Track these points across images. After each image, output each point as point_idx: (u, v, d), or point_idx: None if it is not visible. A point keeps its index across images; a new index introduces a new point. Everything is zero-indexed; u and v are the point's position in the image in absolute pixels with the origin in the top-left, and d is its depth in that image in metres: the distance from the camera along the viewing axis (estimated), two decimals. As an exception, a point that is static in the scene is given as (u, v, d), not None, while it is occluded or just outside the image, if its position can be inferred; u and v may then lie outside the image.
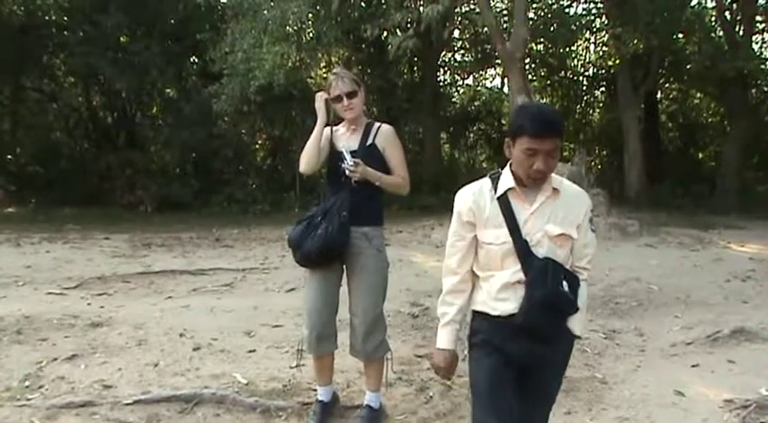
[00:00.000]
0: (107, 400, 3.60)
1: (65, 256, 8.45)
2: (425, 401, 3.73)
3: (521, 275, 2.22)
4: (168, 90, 16.59)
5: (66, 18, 15.70)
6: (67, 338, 4.75)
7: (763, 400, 3.64)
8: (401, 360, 4.21)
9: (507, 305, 2.25)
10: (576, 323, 2.33)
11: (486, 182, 2.32)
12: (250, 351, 4.55)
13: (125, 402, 3.57)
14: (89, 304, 5.94)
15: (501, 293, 2.27)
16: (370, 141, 3.37)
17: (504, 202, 2.25)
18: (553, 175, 2.24)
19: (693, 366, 4.33)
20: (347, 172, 3.24)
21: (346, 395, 3.78)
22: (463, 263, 2.35)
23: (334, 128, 3.46)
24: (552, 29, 16.15)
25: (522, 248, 2.21)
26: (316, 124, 3.41)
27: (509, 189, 2.24)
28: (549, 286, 2.18)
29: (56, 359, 4.26)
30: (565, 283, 2.20)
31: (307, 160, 3.41)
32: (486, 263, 2.31)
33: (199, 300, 6.20)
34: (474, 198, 2.30)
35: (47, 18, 15.71)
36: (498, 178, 2.28)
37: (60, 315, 5.34)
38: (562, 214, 2.24)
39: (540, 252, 2.21)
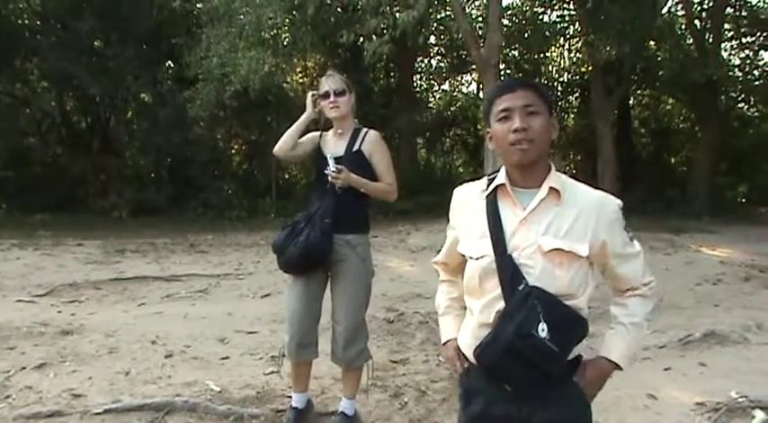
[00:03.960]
0: (76, 410, 3.53)
1: (35, 262, 8.32)
2: (400, 407, 3.71)
3: (501, 304, 1.70)
4: (143, 95, 16.44)
5: (39, 22, 15.49)
6: (36, 347, 4.66)
7: (733, 402, 3.68)
8: (376, 366, 4.16)
9: None
10: (619, 345, 1.82)
11: (483, 180, 1.86)
12: (223, 358, 4.51)
13: (95, 412, 3.50)
14: (59, 312, 5.86)
15: (482, 329, 1.75)
16: (356, 147, 3.35)
17: (491, 204, 1.76)
18: (557, 173, 1.77)
19: (665, 370, 4.36)
20: (330, 178, 3.23)
21: (320, 401, 3.75)
22: (449, 254, 1.97)
23: (323, 133, 3.47)
24: (527, 35, 16.31)
25: (505, 267, 1.69)
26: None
27: (500, 186, 1.76)
28: (516, 325, 1.63)
29: (24, 368, 4.19)
30: (544, 325, 1.60)
31: (281, 144, 3.43)
32: (467, 285, 1.81)
33: (172, 306, 6.14)
34: (461, 197, 1.89)
35: (20, 22, 15.49)
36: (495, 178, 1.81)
37: (29, 323, 5.25)
38: (567, 225, 1.70)
39: (532, 274, 1.68)
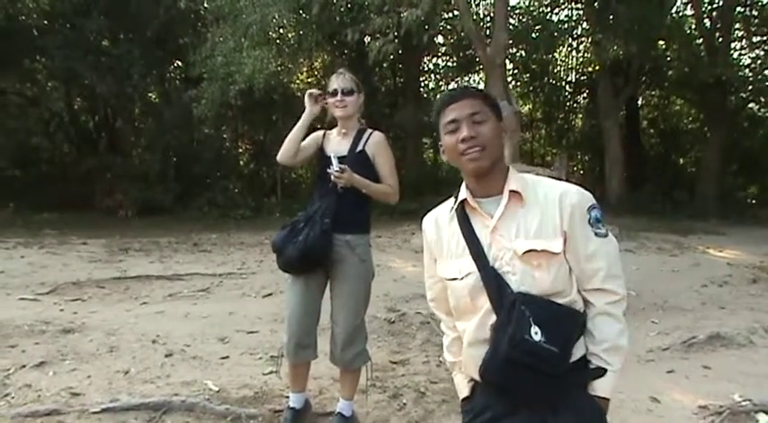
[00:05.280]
0: (74, 409, 3.52)
1: (40, 261, 8.32)
2: (398, 408, 3.68)
3: (494, 317, 1.67)
4: (150, 94, 16.49)
5: (47, 22, 15.55)
6: (37, 345, 4.65)
7: (736, 406, 3.63)
8: (376, 366, 4.14)
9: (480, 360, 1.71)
10: (601, 380, 1.68)
11: (449, 201, 1.83)
12: (223, 357, 4.49)
13: (92, 411, 3.48)
14: (62, 310, 5.85)
15: (474, 347, 1.72)
16: (359, 148, 3.32)
17: (462, 220, 1.75)
18: (515, 174, 1.75)
19: (669, 372, 4.32)
20: (332, 177, 3.20)
21: (318, 402, 3.73)
22: (448, 308, 1.86)
23: (327, 132, 3.44)
24: (534, 35, 16.24)
25: (490, 279, 1.67)
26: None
27: (464, 202, 1.75)
28: (509, 335, 1.59)
29: (24, 366, 4.17)
30: (536, 328, 1.57)
31: (284, 149, 3.39)
32: (457, 307, 1.78)
33: (174, 305, 6.12)
34: (432, 223, 1.85)
35: (28, 22, 15.54)
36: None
37: (31, 321, 5.24)
38: (535, 224, 1.67)
39: (514, 281, 1.65)
